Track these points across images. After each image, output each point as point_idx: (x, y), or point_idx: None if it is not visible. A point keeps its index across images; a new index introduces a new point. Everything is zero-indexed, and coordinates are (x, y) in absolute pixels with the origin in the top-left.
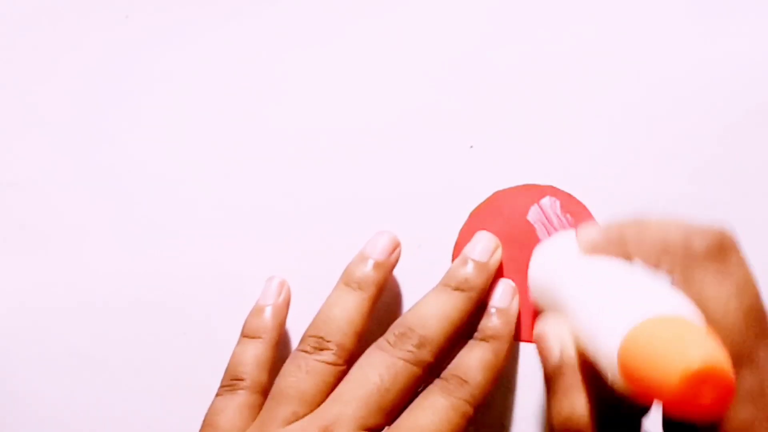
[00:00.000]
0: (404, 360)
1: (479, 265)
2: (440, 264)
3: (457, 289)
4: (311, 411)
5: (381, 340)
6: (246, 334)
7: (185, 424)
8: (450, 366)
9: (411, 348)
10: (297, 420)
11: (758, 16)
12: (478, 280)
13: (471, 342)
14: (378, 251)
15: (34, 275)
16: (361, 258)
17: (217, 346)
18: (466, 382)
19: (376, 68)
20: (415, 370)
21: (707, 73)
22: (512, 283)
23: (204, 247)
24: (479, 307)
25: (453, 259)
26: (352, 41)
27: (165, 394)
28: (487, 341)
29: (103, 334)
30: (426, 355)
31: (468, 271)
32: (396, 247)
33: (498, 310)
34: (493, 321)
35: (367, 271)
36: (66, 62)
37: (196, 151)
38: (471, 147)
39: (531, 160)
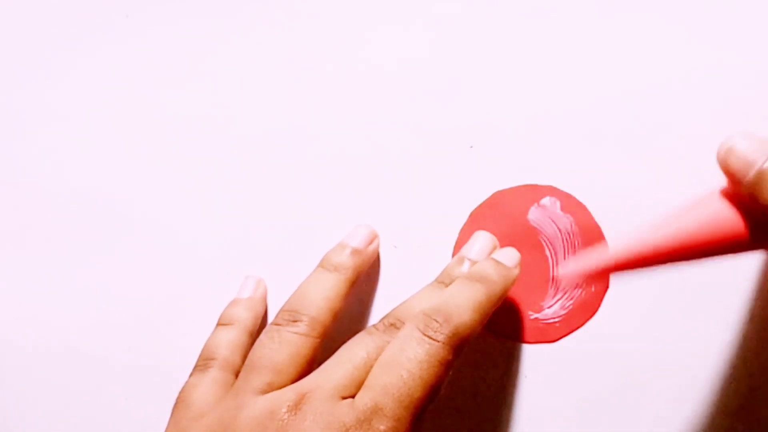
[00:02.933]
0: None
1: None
2: (440, 264)
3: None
4: (285, 381)
5: (370, 327)
6: (220, 323)
7: None
8: (434, 303)
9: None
10: (272, 390)
11: (759, 17)
12: None
13: (458, 281)
14: (356, 241)
15: (33, 276)
16: (340, 246)
17: None
18: (449, 320)
19: (376, 67)
20: None
21: (708, 73)
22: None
23: (204, 248)
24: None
25: None
26: (351, 39)
27: (162, 395)
28: (479, 282)
29: (102, 333)
30: None
31: (464, 270)
32: (374, 238)
33: (493, 259)
34: (483, 264)
35: (344, 255)
36: (66, 62)
37: (194, 150)
38: (471, 147)
39: (531, 160)
